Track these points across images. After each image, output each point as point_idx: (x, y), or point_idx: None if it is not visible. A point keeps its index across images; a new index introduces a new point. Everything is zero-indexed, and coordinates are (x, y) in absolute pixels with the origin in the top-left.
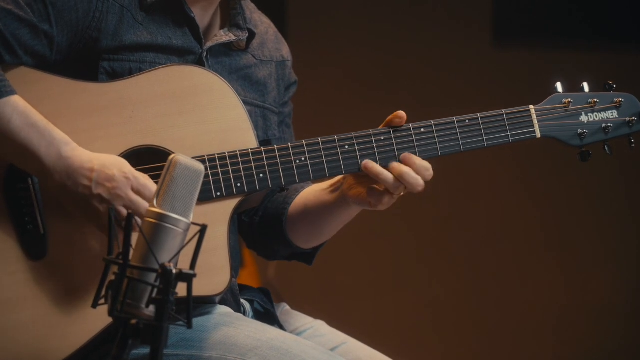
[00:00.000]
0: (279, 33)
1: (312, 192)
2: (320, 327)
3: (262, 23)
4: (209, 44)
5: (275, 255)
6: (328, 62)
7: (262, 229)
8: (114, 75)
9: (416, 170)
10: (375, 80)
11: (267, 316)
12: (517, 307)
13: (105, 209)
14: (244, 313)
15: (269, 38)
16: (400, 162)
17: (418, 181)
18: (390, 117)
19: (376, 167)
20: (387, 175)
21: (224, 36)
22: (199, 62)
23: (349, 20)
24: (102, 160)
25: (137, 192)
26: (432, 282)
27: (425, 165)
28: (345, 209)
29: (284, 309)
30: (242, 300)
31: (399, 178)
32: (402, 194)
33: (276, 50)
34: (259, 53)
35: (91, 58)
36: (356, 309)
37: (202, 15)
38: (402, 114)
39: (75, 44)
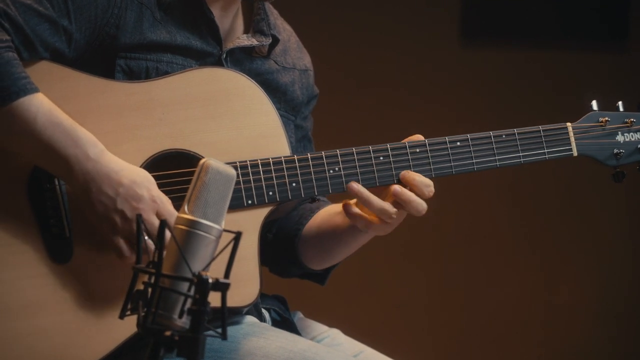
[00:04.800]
0: (301, 42)
1: (326, 214)
2: (336, 336)
3: (284, 30)
4: (229, 47)
5: (288, 273)
6: None
7: (275, 247)
8: (130, 74)
9: (417, 190)
10: (340, 79)
11: (285, 324)
12: (507, 307)
13: (124, 225)
14: (264, 322)
15: (291, 46)
16: (406, 180)
17: (422, 205)
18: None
19: (361, 190)
20: (373, 199)
21: (245, 40)
22: (218, 65)
23: (317, 17)
24: (132, 176)
25: (160, 217)
26: (419, 283)
27: (426, 182)
28: (352, 232)
29: (298, 317)
30: (262, 309)
31: (400, 202)
32: (394, 217)
33: (299, 59)
34: (281, 59)
35: (107, 55)
36: (337, 313)
37: (222, 17)
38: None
39: (93, 40)
